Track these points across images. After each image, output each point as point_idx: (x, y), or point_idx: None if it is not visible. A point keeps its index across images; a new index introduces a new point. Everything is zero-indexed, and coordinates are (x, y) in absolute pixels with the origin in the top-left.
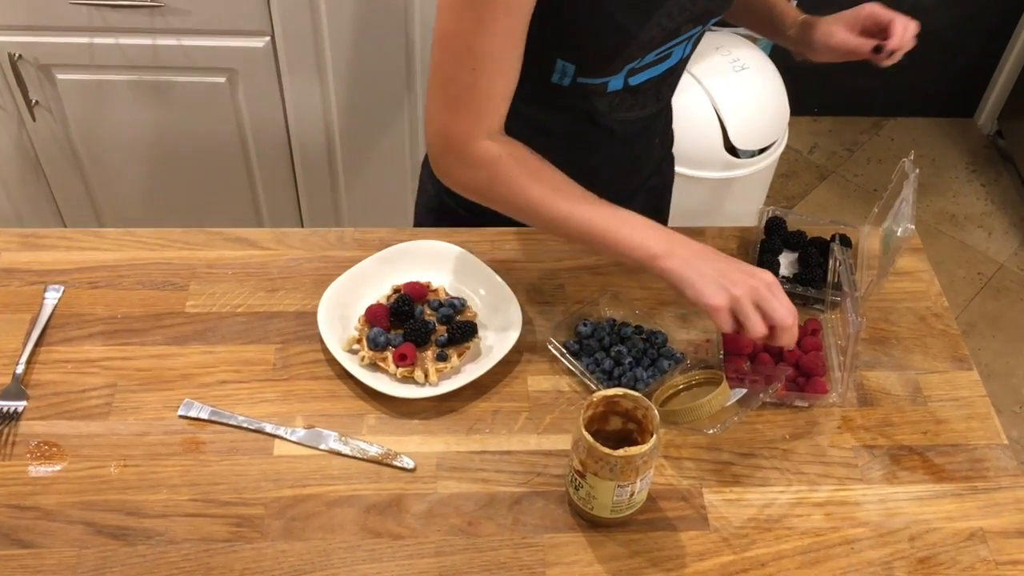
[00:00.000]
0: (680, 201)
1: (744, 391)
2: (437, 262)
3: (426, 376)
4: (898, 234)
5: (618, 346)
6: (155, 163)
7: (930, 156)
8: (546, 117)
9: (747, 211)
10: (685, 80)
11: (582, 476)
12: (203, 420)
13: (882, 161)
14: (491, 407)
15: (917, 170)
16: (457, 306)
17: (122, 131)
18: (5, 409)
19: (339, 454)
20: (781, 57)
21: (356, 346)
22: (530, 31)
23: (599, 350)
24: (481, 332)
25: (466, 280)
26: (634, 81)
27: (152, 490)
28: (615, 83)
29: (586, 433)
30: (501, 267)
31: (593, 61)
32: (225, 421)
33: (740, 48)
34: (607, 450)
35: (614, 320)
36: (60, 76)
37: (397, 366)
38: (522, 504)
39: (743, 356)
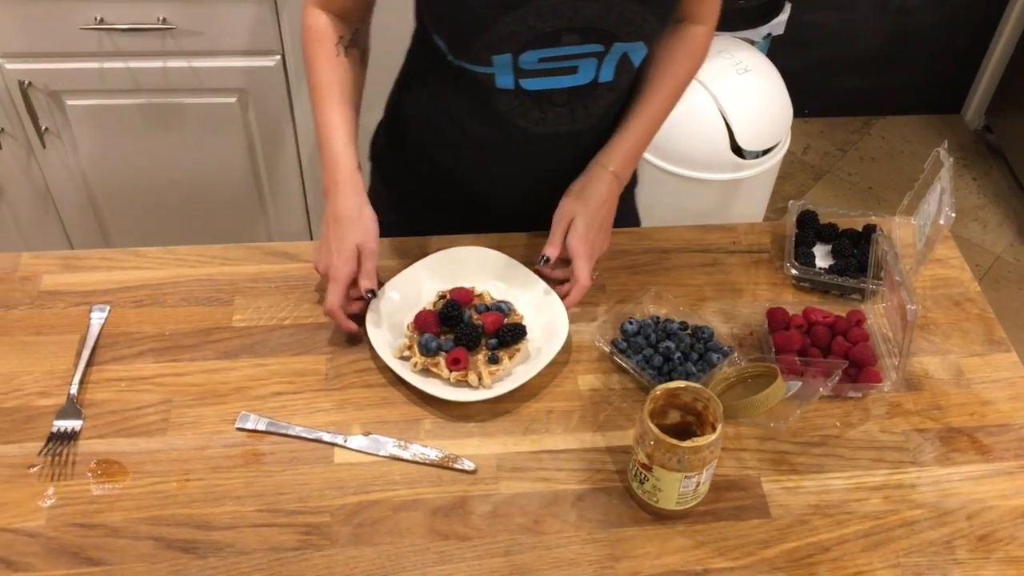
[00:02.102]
0: (688, 204)
1: (799, 383)
2: (479, 267)
3: (480, 379)
4: (940, 221)
5: (665, 342)
6: (165, 186)
7: (921, 152)
8: (456, 103)
9: (752, 212)
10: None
11: (648, 469)
12: (261, 432)
13: (875, 159)
14: (544, 407)
15: (951, 159)
16: (504, 309)
17: (132, 155)
18: (63, 429)
19: (399, 459)
20: (780, 59)
21: (407, 352)
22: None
23: (647, 347)
24: (528, 334)
25: (509, 283)
26: (528, 85)
27: (217, 502)
28: (502, 79)
29: (653, 426)
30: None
31: (454, 41)
32: (283, 432)
33: (741, 51)
34: (675, 441)
35: (658, 317)
36: (70, 102)
37: (451, 370)
38: (585, 501)
39: (792, 351)
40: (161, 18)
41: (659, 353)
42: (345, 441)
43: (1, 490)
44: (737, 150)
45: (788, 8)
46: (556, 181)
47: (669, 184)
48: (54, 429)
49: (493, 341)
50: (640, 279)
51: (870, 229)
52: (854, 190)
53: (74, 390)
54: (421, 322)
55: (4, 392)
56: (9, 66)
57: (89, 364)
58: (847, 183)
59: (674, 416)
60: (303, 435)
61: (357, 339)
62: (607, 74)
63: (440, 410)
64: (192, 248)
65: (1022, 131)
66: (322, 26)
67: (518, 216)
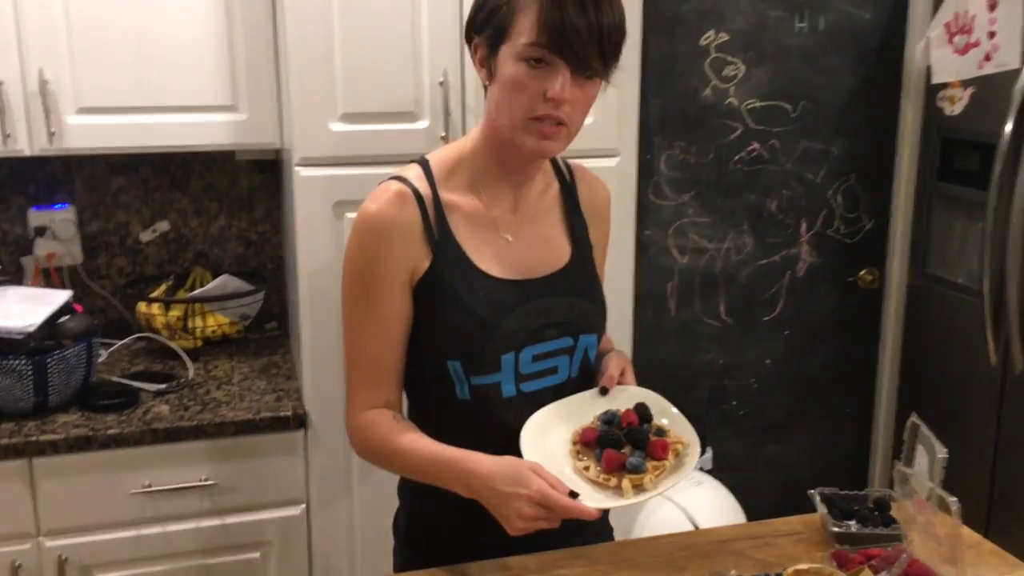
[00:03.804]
0: None
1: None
2: (557, 423)
3: (684, 444)
4: (939, 455)
5: None
6: None
7: None
8: (465, 440)
9: None
10: (657, 501)
11: None
12: None
13: None
14: None
15: (923, 422)
16: (616, 412)
17: None
18: None
19: None
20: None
21: (633, 490)
22: (422, 343)
23: None
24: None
25: (580, 413)
26: (527, 388)
27: None
28: (507, 387)
29: None
30: (624, 563)
31: (470, 352)
32: None
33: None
34: None
35: (741, 575)
36: None
37: (666, 459)
38: None
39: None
40: (203, 477)
41: None
42: None
43: None
44: None
45: (709, 450)
46: None
47: None
48: None
49: (646, 425)
50: (713, 560)
51: (881, 500)
52: None
53: None
54: (613, 464)
55: None
56: (49, 543)
57: None
58: None
59: None
60: None
61: None
62: (575, 370)
63: None
64: None
65: None
66: (373, 416)
67: None
